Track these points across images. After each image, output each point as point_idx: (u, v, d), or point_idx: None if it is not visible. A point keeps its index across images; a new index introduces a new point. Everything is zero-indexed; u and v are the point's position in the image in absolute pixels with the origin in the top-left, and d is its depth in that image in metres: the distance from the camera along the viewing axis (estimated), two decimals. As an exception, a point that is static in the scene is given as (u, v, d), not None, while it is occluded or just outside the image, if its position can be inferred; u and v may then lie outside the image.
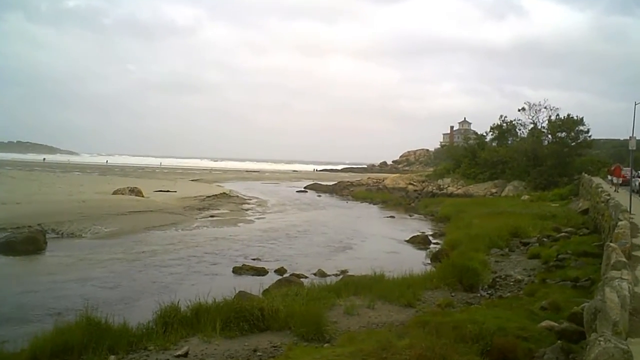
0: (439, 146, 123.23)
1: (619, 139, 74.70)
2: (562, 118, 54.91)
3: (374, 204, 53.04)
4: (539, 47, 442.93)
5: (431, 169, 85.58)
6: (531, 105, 58.07)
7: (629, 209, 19.08)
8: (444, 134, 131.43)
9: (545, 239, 23.52)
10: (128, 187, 44.42)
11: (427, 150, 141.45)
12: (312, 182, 77.07)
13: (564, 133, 54.32)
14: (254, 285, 14.71)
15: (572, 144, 53.90)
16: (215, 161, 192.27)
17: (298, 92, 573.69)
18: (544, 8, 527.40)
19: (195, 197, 46.82)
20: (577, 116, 54.30)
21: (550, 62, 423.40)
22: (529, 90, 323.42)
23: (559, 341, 8.69)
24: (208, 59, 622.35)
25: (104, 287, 16.39)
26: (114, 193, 42.37)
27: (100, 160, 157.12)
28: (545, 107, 57.18)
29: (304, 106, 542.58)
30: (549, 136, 55.92)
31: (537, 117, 57.68)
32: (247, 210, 41.80)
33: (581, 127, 53.72)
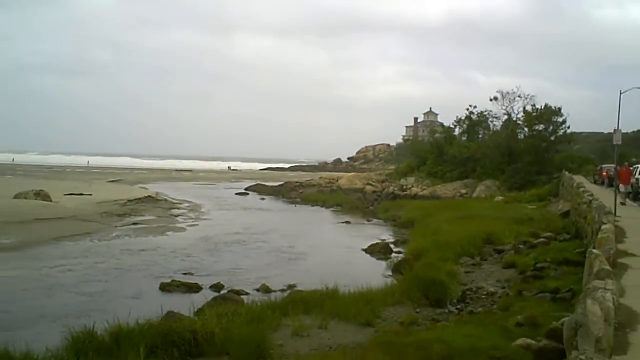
0: (402, 141, 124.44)
1: (602, 133, 76.99)
2: (540, 108, 55.87)
3: (326, 208, 53.20)
4: (476, 26, 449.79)
5: (393, 167, 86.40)
6: (504, 95, 58.71)
7: (613, 211, 19.71)
8: (407, 127, 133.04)
9: (521, 246, 24.03)
10: (33, 190, 43.21)
11: (389, 145, 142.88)
12: (254, 183, 76.76)
13: (542, 126, 55.50)
14: (185, 305, 14.58)
15: (551, 138, 55.25)
16: (141, 159, 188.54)
17: (214, 78, 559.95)
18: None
19: (115, 201, 46.05)
20: (555, 107, 55.52)
21: (494, 44, 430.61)
22: (481, 76, 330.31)
23: (536, 362, 8.88)
24: (94, 35, 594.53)
25: (3, 310, 15.88)
26: (16, 197, 41.14)
27: (3, 158, 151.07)
28: (519, 96, 57.90)
29: (225, 95, 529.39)
30: (525, 129, 57.08)
31: (512, 107, 58.51)
32: (177, 216, 41.31)
33: (559, 119, 54.97)
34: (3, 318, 14.96)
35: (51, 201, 41.00)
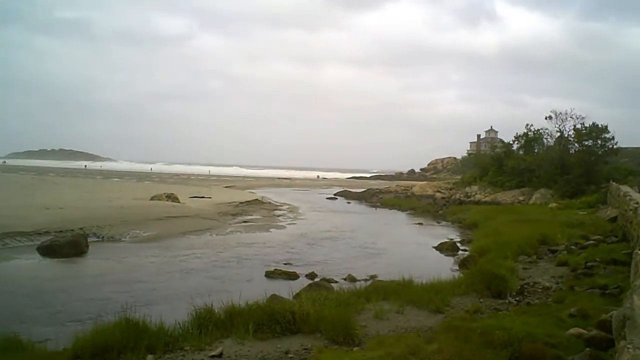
0: (466, 154, 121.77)
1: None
2: (588, 126, 53.65)
3: (402, 211, 52.64)
4: (524, 55, 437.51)
5: (458, 177, 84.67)
6: (557, 114, 56.77)
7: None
8: (470, 142, 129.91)
9: (573, 247, 22.99)
10: (165, 193, 45.02)
11: (455, 158, 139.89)
12: (341, 189, 76.88)
13: (590, 141, 53.27)
14: (285, 289, 14.79)
15: (599, 153, 52.88)
16: (245, 168, 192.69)
17: (303, 101, 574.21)
18: (517, 15, 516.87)
19: (229, 203, 47.16)
20: (601, 124, 53.10)
21: (541, 69, 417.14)
22: (529, 97, 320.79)
23: (587, 349, 8.51)
24: (206, 67, 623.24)
25: (142, 289, 16.65)
26: (152, 199, 42.97)
27: (143, 167, 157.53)
28: (571, 117, 55.92)
29: (312, 116, 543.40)
30: (576, 144, 54.90)
31: (564, 125, 56.52)
32: (278, 216, 41.88)
33: (606, 135, 52.55)
34: (147, 295, 15.71)
35: (179, 202, 42.56)
